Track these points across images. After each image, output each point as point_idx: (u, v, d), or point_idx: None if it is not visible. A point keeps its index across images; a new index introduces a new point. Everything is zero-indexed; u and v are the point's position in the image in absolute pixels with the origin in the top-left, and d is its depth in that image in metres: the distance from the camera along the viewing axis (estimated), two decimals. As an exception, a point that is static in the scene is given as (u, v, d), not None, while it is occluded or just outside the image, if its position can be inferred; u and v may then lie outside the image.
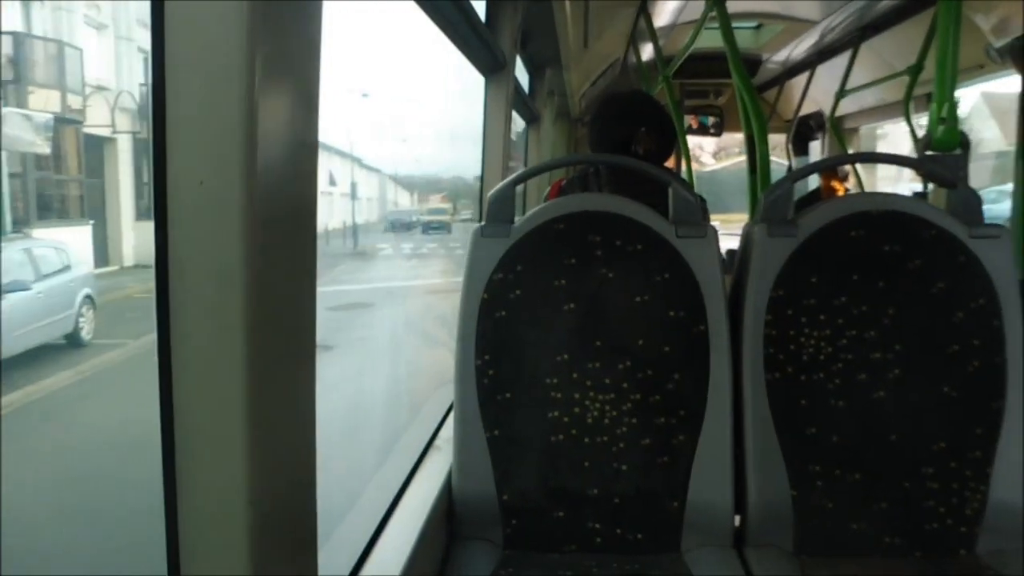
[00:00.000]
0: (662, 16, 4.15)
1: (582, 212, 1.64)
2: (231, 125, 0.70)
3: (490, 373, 1.60)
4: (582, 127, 5.57)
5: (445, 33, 2.04)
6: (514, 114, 3.21)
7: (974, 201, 1.63)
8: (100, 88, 10.16)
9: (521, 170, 1.84)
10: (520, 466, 1.60)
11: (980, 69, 2.98)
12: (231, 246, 0.71)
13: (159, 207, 0.72)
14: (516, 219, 1.65)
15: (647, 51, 4.70)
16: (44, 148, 8.88)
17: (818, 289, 1.61)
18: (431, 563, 1.51)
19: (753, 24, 4.71)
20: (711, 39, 3.70)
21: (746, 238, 1.69)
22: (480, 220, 1.71)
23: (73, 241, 8.48)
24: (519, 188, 1.85)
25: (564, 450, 1.60)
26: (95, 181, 10.29)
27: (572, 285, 1.61)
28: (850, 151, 4.95)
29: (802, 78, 4.72)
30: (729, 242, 1.95)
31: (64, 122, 9.13)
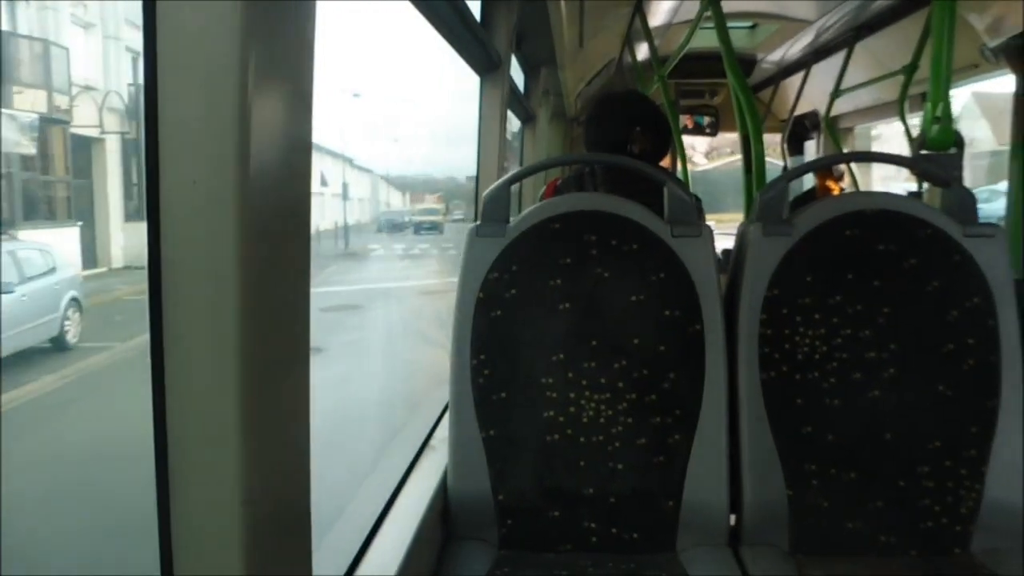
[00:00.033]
0: (657, 16, 4.15)
1: (577, 212, 1.64)
2: (224, 125, 0.69)
3: (485, 373, 1.60)
4: (578, 127, 5.57)
5: (440, 32, 2.04)
6: (509, 114, 3.21)
7: (969, 200, 1.63)
8: (88, 88, 10.04)
9: (516, 170, 1.83)
10: (516, 466, 1.60)
11: (975, 69, 2.98)
12: (225, 246, 0.70)
13: (152, 207, 0.71)
14: (512, 218, 1.65)
15: (642, 51, 4.70)
16: (30, 149, 8.78)
17: (813, 288, 1.61)
18: (426, 563, 1.51)
19: (748, 24, 4.70)
20: (706, 39, 3.70)
21: (741, 237, 1.69)
22: (476, 220, 1.70)
23: (61, 243, 8.33)
24: (515, 188, 1.85)
25: (560, 450, 1.59)
26: (83, 182, 10.16)
27: (568, 284, 1.61)
28: (845, 151, 4.95)
29: (797, 78, 4.72)
30: (722, 242, 1.95)
31: (51, 122, 9.00)
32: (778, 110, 5.31)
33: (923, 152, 2.25)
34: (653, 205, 1.65)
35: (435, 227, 26.91)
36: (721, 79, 4.13)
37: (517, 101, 3.85)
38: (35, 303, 7.14)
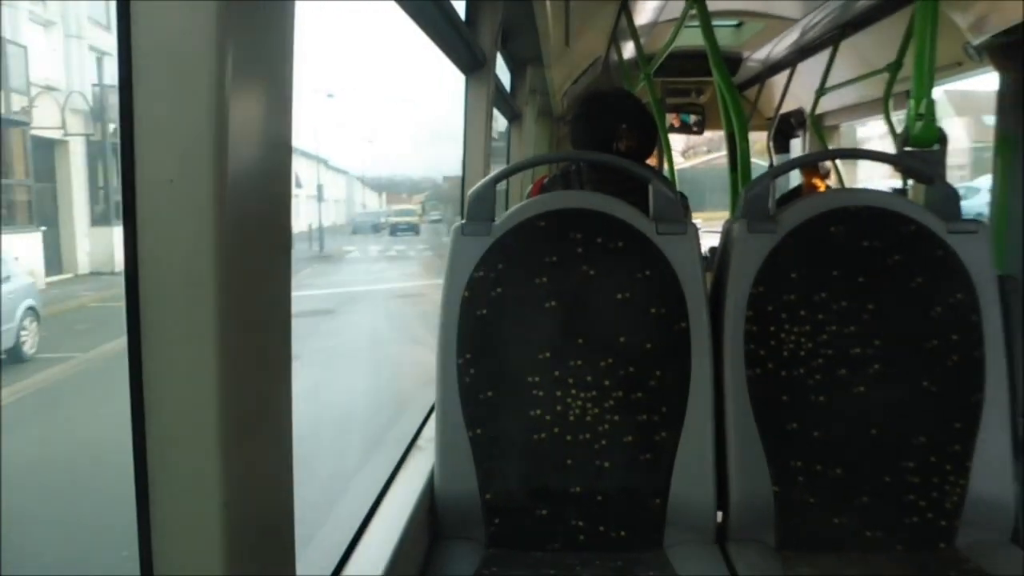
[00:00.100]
0: (643, 14, 4.15)
1: (563, 210, 1.64)
2: (201, 123, 0.69)
3: (472, 372, 1.60)
4: (564, 125, 5.56)
5: (424, 31, 2.03)
6: (496, 113, 3.21)
7: (952, 196, 1.64)
8: (48, 88, 9.76)
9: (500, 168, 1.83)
10: (503, 465, 1.60)
11: (959, 66, 2.99)
12: (203, 246, 0.70)
13: (128, 207, 0.71)
14: (497, 217, 1.65)
15: (628, 49, 4.70)
16: (-18, 151, 8.56)
17: (798, 285, 1.62)
18: (413, 563, 1.50)
19: (734, 22, 4.72)
20: (692, 37, 3.70)
21: (726, 234, 1.69)
22: (461, 218, 1.70)
23: (21, 249, 8.03)
24: (501, 187, 1.84)
25: (546, 448, 1.59)
26: (46, 186, 9.86)
27: (553, 283, 1.61)
28: (831, 148, 4.97)
29: (783, 76, 4.73)
30: (709, 239, 1.95)
31: (8, 123, 8.75)
32: (764, 108, 5.33)
33: (907, 149, 2.26)
34: (639, 203, 1.65)
35: (412, 228, 26.84)
36: (707, 77, 4.13)
37: (503, 100, 3.84)
38: (-14, 314, 6.80)
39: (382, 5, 1.72)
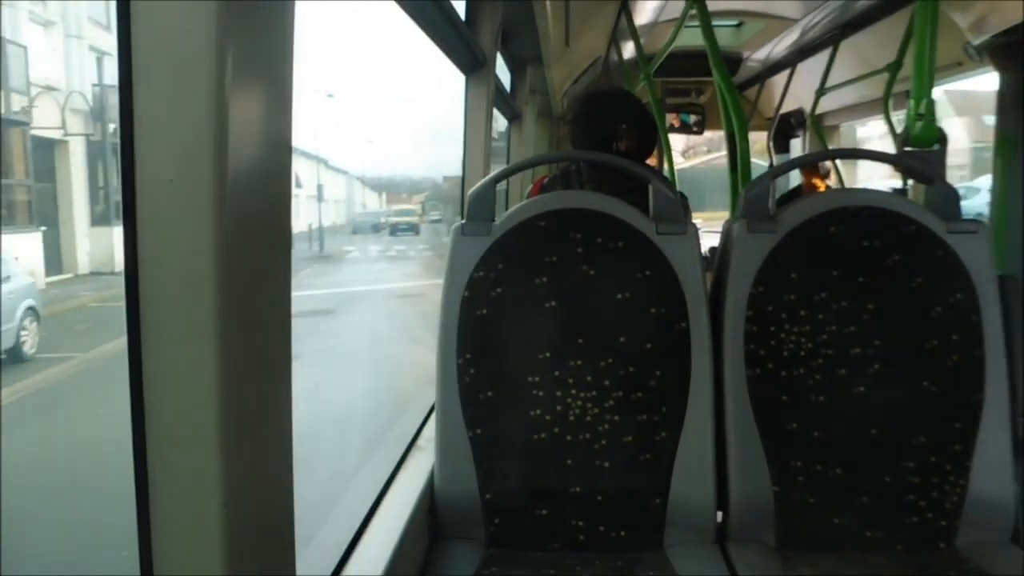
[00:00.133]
0: (643, 14, 4.15)
1: (563, 210, 1.64)
2: (201, 123, 0.69)
3: (472, 372, 1.60)
4: (564, 125, 5.56)
5: (424, 31, 2.03)
6: (495, 113, 3.21)
7: (952, 196, 1.64)
8: (49, 88, 9.65)
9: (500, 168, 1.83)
10: (503, 465, 1.60)
11: (959, 66, 2.99)
12: (203, 246, 0.70)
13: (128, 207, 0.71)
14: (497, 217, 1.65)
15: (628, 49, 4.70)
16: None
17: (798, 285, 1.62)
18: (414, 563, 1.50)
19: (734, 22, 4.72)
20: (692, 37, 3.70)
21: (726, 234, 1.69)
22: (462, 218, 1.70)
23: (22, 249, 7.98)
24: (502, 187, 1.84)
25: (547, 448, 1.59)
26: (46, 186, 9.79)
27: (553, 283, 1.61)
28: (831, 148, 4.97)
29: (783, 76, 4.73)
30: (710, 239, 1.95)
31: (8, 124, 8.68)
32: (764, 108, 5.33)
33: (907, 149, 2.26)
34: (639, 203, 1.65)
35: (411, 228, 26.81)
36: (707, 77, 4.13)
37: (503, 100, 3.84)
38: (-14, 314, 6.73)
39: (382, 5, 1.72)
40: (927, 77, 2.28)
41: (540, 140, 5.20)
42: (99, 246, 10.08)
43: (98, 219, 10.39)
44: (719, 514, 1.62)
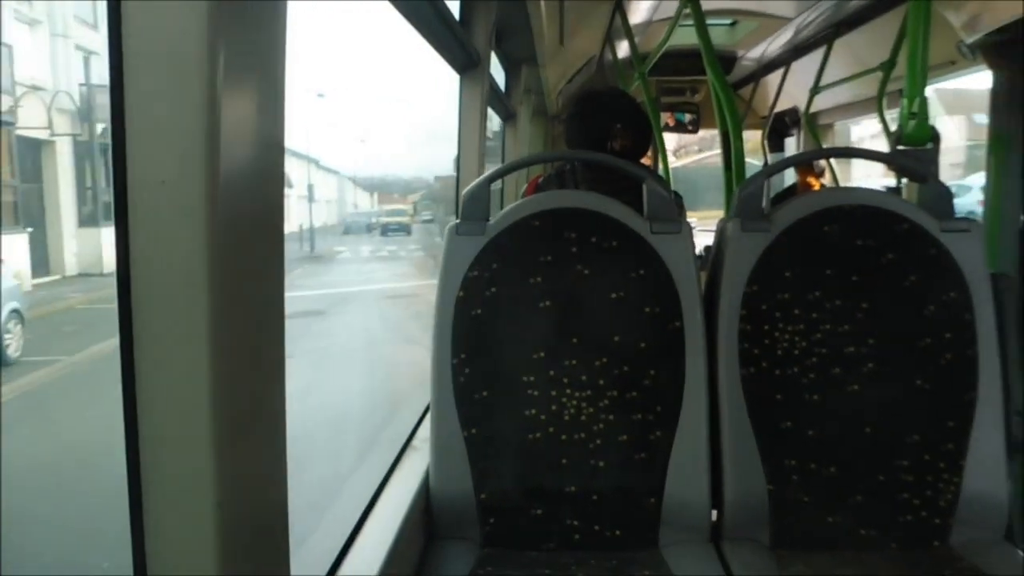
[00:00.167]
0: (637, 14, 4.16)
1: (557, 209, 1.64)
2: (193, 123, 0.68)
3: (466, 371, 1.60)
4: (559, 124, 5.57)
5: (418, 31, 2.03)
6: (490, 112, 3.21)
7: (945, 195, 1.65)
8: (35, 88, 9.53)
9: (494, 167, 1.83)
10: (498, 464, 1.60)
11: (952, 65, 3.00)
12: (195, 247, 0.69)
13: (120, 208, 0.70)
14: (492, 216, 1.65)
15: (623, 49, 4.71)
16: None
17: (792, 284, 1.62)
18: (409, 563, 1.50)
19: (728, 21, 4.73)
20: (687, 36, 3.71)
21: (720, 233, 1.69)
22: (456, 218, 1.70)
23: (7, 251, 7.79)
24: (496, 187, 1.84)
25: (541, 448, 1.59)
26: (32, 186, 9.60)
27: (548, 282, 1.61)
28: (825, 147, 4.99)
29: (777, 75, 4.75)
30: (705, 239, 1.95)
31: None
32: (759, 107, 5.34)
33: (900, 147, 2.27)
34: (634, 202, 1.65)
35: (403, 228, 26.78)
36: (702, 76, 4.14)
37: (498, 99, 3.84)
38: (-34, 318, 6.56)
39: (375, 5, 1.72)
40: (920, 76, 2.29)
41: (535, 139, 5.20)
42: (87, 247, 9.96)
43: (86, 220, 10.26)
44: (714, 513, 1.63)
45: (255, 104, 0.76)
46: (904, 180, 3.37)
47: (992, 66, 2.69)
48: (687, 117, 5.66)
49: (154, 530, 0.74)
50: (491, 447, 1.60)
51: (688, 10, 3.36)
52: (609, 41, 4.68)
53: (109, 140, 0.70)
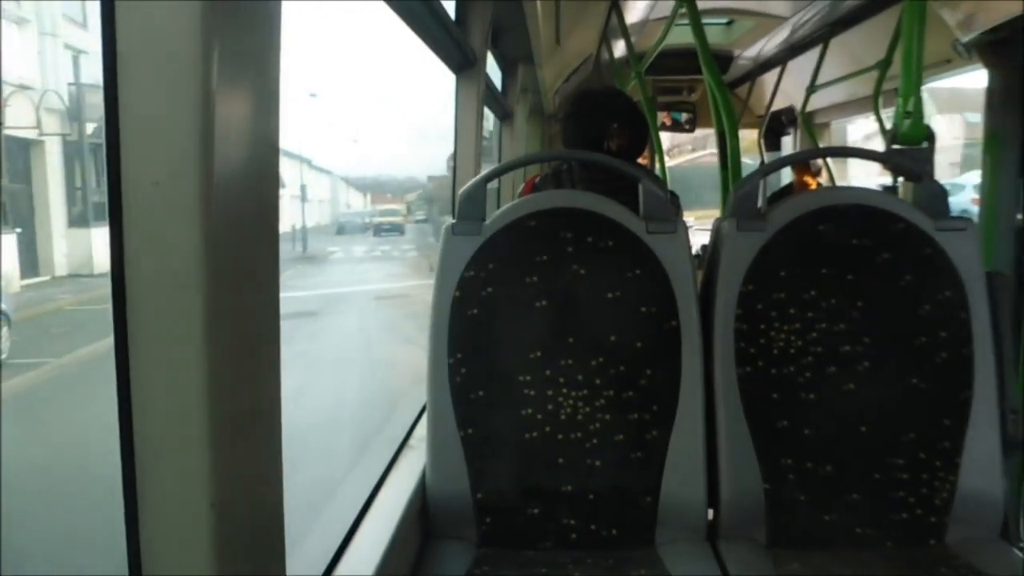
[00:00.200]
0: (634, 13, 4.16)
1: (553, 209, 1.64)
2: (187, 124, 0.68)
3: (463, 371, 1.60)
4: (556, 124, 5.57)
5: (414, 30, 2.03)
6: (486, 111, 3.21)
7: (940, 194, 1.65)
8: (22, 87, 9.39)
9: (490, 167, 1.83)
10: (494, 464, 1.60)
11: (948, 64, 3.01)
12: (190, 248, 0.69)
13: (114, 209, 0.70)
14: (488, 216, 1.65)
15: (619, 48, 4.71)
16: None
17: (787, 283, 1.62)
18: (405, 563, 1.50)
19: (724, 20, 4.73)
20: (684, 35, 3.72)
21: (716, 233, 1.69)
22: (452, 217, 1.70)
23: None
24: (493, 187, 1.84)
25: (538, 447, 1.59)
26: (20, 187, 9.51)
27: (544, 282, 1.61)
28: (821, 146, 4.99)
29: (773, 74, 4.75)
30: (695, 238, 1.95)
31: None
32: (755, 106, 5.34)
33: (895, 147, 2.27)
34: (631, 202, 1.65)
35: (396, 228, 26.69)
36: (699, 75, 4.14)
37: (494, 98, 3.84)
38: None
39: (370, 5, 1.72)
40: (915, 75, 2.29)
41: (532, 139, 5.20)
42: (77, 248, 9.88)
43: (76, 220, 10.16)
44: (710, 512, 1.63)
45: (250, 104, 0.76)
46: (900, 179, 3.38)
47: (988, 65, 2.69)
48: (684, 116, 5.67)
49: (149, 531, 0.74)
50: (488, 447, 1.60)
51: (684, 9, 3.36)
52: (606, 40, 4.69)
53: (103, 140, 0.70)
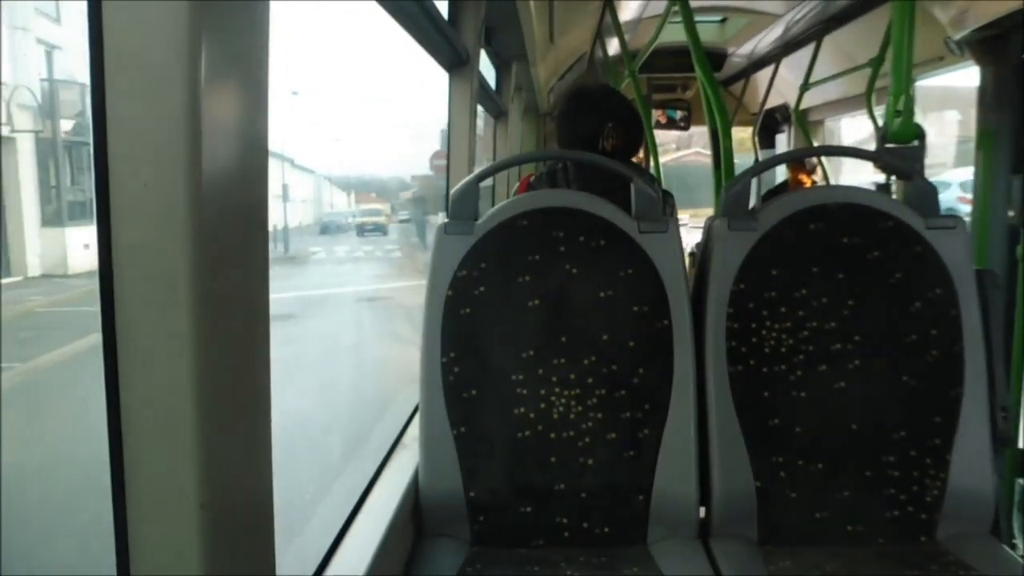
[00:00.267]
0: (627, 10, 4.16)
1: (545, 208, 1.64)
2: (175, 125, 0.68)
3: (455, 370, 1.60)
4: (550, 122, 5.57)
5: (405, 29, 2.02)
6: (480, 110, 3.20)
7: (930, 192, 1.65)
8: None
9: (483, 166, 1.83)
10: (487, 462, 1.60)
11: (940, 61, 3.01)
12: (179, 248, 0.69)
13: (102, 210, 0.70)
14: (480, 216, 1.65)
15: (613, 46, 4.71)
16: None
17: (779, 281, 1.62)
18: (398, 561, 1.50)
19: (717, 18, 4.74)
20: (678, 33, 3.72)
21: (708, 232, 1.70)
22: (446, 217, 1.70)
23: None
24: (488, 186, 1.84)
25: (531, 446, 1.60)
26: None
27: (536, 281, 1.61)
28: (815, 143, 5.00)
29: (767, 71, 4.76)
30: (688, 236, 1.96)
31: None
32: (749, 103, 5.35)
33: (887, 145, 2.28)
34: (626, 201, 1.65)
35: (379, 228, 26.58)
36: (692, 73, 4.14)
37: (488, 97, 3.84)
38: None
39: (363, 4, 1.71)
40: (905, 73, 2.29)
41: (527, 136, 5.20)
42: (51, 247, 9.77)
43: (50, 219, 10.08)
44: (702, 510, 1.63)
45: (239, 105, 0.76)
46: (893, 176, 3.38)
47: (979, 62, 2.70)
48: (678, 114, 5.67)
49: (137, 532, 0.74)
50: (480, 445, 1.60)
51: (677, 7, 3.36)
52: (599, 38, 4.69)
53: (89, 140, 0.70)
